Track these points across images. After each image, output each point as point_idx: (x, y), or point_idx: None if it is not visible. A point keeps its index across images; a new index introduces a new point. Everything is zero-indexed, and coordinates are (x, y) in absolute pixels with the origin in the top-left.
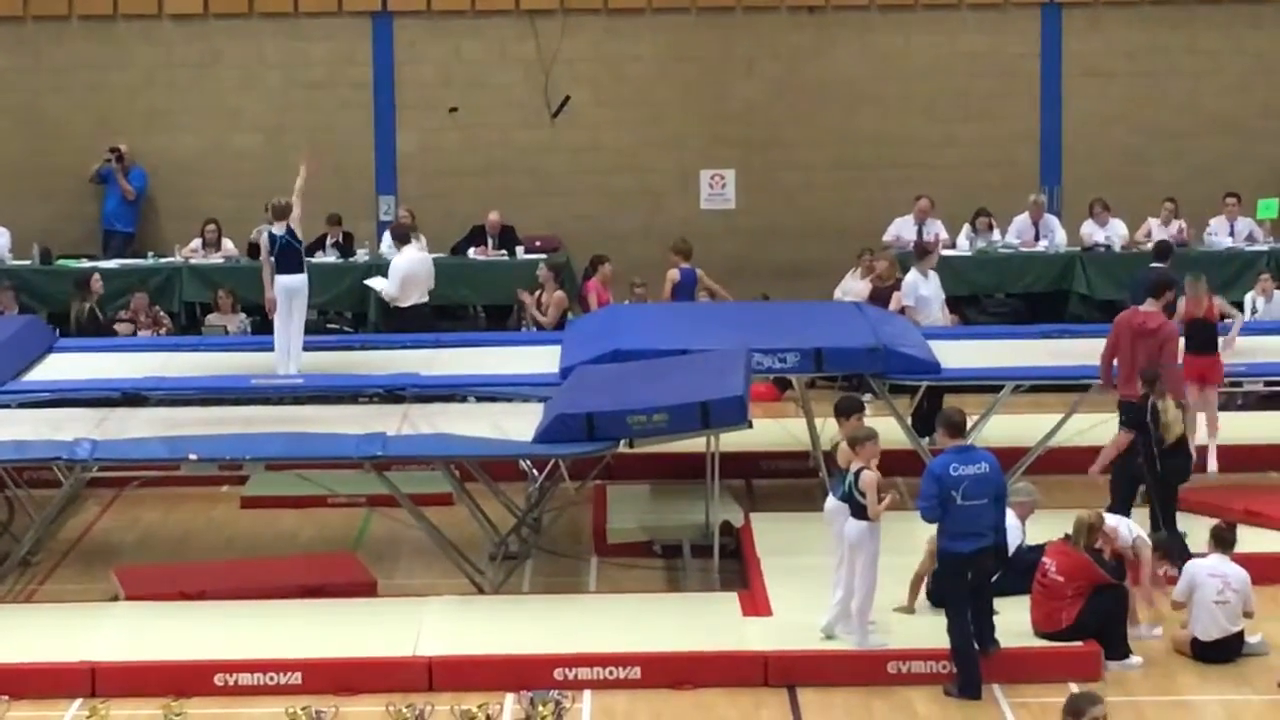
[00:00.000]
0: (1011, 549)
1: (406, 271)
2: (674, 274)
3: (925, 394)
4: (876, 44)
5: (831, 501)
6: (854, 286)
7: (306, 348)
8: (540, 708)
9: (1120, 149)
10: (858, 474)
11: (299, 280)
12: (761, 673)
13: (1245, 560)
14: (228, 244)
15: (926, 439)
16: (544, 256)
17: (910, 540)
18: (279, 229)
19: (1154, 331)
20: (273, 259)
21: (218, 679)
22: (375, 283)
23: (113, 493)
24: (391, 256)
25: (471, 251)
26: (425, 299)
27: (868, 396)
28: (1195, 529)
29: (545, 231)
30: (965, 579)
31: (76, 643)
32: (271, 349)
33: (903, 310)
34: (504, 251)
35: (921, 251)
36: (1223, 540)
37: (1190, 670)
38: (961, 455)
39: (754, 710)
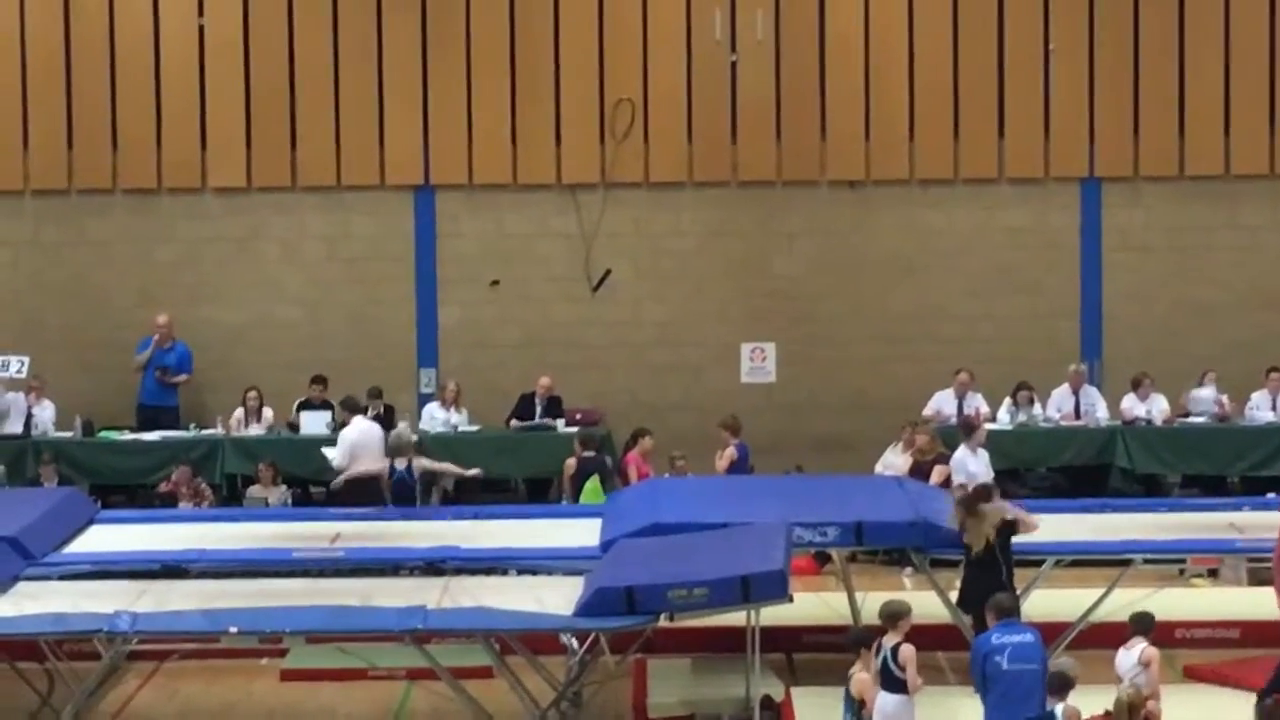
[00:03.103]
0: None
1: (354, 441)
2: (731, 452)
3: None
4: (916, 218)
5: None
6: (894, 461)
7: (344, 519)
8: None
9: (1160, 323)
10: (895, 648)
11: None
12: None
13: None
14: (268, 412)
15: (969, 618)
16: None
17: (945, 713)
18: (400, 464)
19: None
20: None
21: None
22: (330, 452)
23: (152, 665)
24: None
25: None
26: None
27: (909, 570)
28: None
29: (585, 404)
30: None
31: None
32: (306, 520)
33: (947, 485)
34: (549, 420)
35: (968, 428)
36: (1273, 717)
37: None
38: (1005, 627)
39: None
